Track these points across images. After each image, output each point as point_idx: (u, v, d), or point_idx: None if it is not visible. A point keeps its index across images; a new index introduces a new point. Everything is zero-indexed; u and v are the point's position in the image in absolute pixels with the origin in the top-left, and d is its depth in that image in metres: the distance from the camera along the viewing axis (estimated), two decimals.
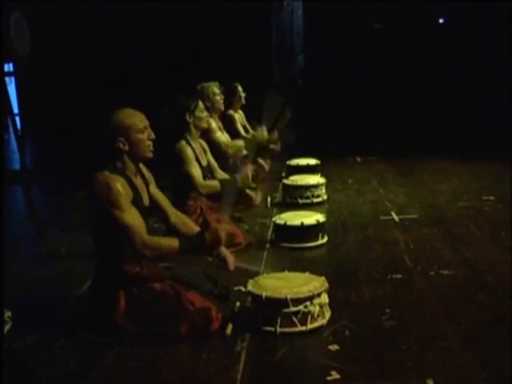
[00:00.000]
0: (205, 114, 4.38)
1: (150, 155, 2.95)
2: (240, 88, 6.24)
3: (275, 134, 6.39)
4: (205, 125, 4.42)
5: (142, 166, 3.05)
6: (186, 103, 4.28)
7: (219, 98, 5.44)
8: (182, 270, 3.13)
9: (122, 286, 2.85)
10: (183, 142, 4.21)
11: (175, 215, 3.21)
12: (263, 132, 6.03)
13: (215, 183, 4.33)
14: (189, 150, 4.22)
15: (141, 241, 2.77)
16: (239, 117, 6.34)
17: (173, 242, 2.89)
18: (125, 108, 2.93)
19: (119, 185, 2.78)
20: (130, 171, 2.92)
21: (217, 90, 5.43)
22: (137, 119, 2.89)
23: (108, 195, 2.74)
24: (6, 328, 2.90)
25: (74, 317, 3.09)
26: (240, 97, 6.26)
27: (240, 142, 5.60)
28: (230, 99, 6.07)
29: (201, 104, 4.37)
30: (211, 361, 2.60)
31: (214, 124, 5.42)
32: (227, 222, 4.28)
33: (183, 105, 4.26)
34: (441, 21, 10.03)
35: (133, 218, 2.79)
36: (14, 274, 3.71)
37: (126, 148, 2.86)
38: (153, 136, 2.93)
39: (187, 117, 4.26)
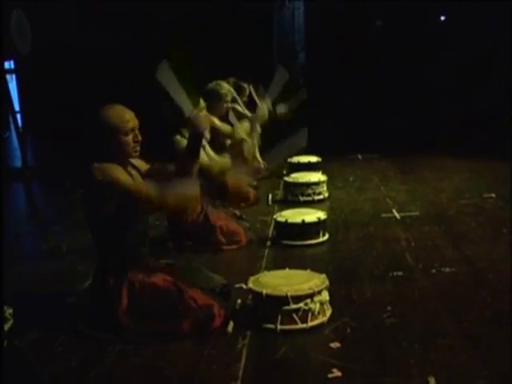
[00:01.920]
0: (203, 112, 4.30)
1: (135, 156, 2.91)
2: (248, 91, 6.18)
3: (284, 109, 6.12)
4: None
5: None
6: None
7: (225, 106, 5.36)
8: (183, 268, 3.14)
9: (123, 283, 2.84)
10: (178, 137, 4.14)
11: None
12: (266, 105, 5.86)
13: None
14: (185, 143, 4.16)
15: (157, 194, 2.75)
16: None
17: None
18: (114, 105, 2.87)
19: (114, 167, 2.78)
20: (122, 165, 2.90)
21: (229, 97, 5.33)
22: (125, 119, 2.82)
23: (110, 176, 2.73)
24: (8, 325, 2.90)
25: (75, 314, 3.09)
26: (243, 98, 6.20)
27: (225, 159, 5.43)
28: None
29: (201, 102, 4.32)
30: (212, 358, 2.61)
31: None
32: (228, 219, 4.29)
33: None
34: (442, 18, 10.02)
35: (139, 183, 2.81)
36: (15, 271, 3.71)
37: (109, 146, 2.83)
38: (139, 138, 2.87)
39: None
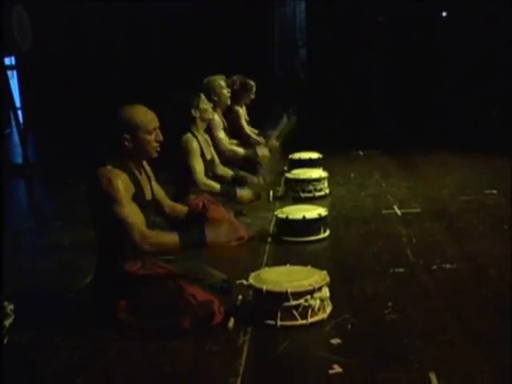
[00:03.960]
0: (208, 104, 4.48)
1: (155, 156, 2.93)
2: (254, 88, 6.15)
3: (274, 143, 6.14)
4: (210, 116, 4.52)
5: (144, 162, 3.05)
6: (190, 99, 4.36)
7: (226, 92, 5.42)
8: (183, 264, 3.13)
9: (124, 279, 2.84)
10: (189, 135, 4.32)
11: (169, 206, 3.26)
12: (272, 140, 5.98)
13: (216, 186, 4.41)
14: (195, 143, 4.31)
15: (139, 235, 2.74)
16: (243, 112, 6.29)
17: (173, 238, 2.84)
18: (136, 104, 2.89)
19: (120, 181, 2.76)
20: (134, 167, 2.91)
21: (223, 84, 5.42)
22: (147, 119, 2.85)
23: (108, 190, 2.73)
24: (9, 321, 2.90)
25: (76, 310, 3.09)
26: (250, 95, 6.18)
27: (239, 150, 5.47)
28: (240, 94, 6.03)
29: (203, 96, 4.46)
30: (213, 354, 2.61)
31: (217, 119, 5.39)
32: (230, 216, 4.28)
33: (188, 102, 4.34)
34: (444, 14, 10.00)
35: (132, 212, 2.76)
36: (16, 267, 3.72)
37: (130, 146, 2.84)
38: (160, 138, 2.90)
39: (193, 112, 4.35)
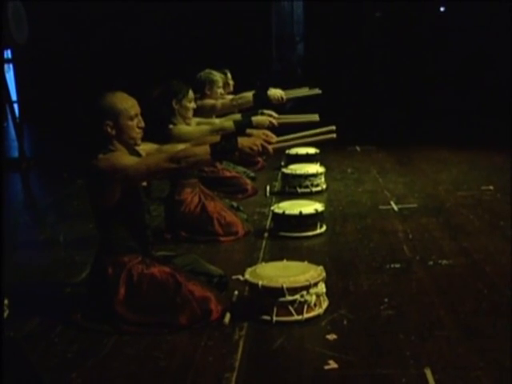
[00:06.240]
0: (192, 104, 4.14)
1: (138, 142, 2.92)
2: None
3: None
4: (190, 115, 4.16)
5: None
6: (175, 89, 4.09)
7: (219, 91, 5.36)
8: (181, 259, 3.13)
9: (122, 273, 2.83)
10: (171, 126, 4.08)
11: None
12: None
13: (229, 123, 4.04)
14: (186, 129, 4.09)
15: (169, 158, 2.74)
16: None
17: (203, 148, 2.80)
18: (117, 91, 2.87)
19: (122, 152, 2.82)
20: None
21: (220, 83, 5.35)
22: (128, 105, 2.83)
23: (113, 165, 2.74)
24: (4, 316, 2.90)
25: (71, 304, 3.08)
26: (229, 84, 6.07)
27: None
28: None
29: (191, 94, 4.15)
30: (209, 349, 2.60)
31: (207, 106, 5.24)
32: (226, 210, 4.28)
33: (172, 90, 4.09)
34: (442, 9, 9.99)
35: (145, 157, 2.90)
36: (11, 261, 3.70)
37: (114, 133, 2.82)
38: (142, 124, 2.88)
39: (173, 103, 4.06)
